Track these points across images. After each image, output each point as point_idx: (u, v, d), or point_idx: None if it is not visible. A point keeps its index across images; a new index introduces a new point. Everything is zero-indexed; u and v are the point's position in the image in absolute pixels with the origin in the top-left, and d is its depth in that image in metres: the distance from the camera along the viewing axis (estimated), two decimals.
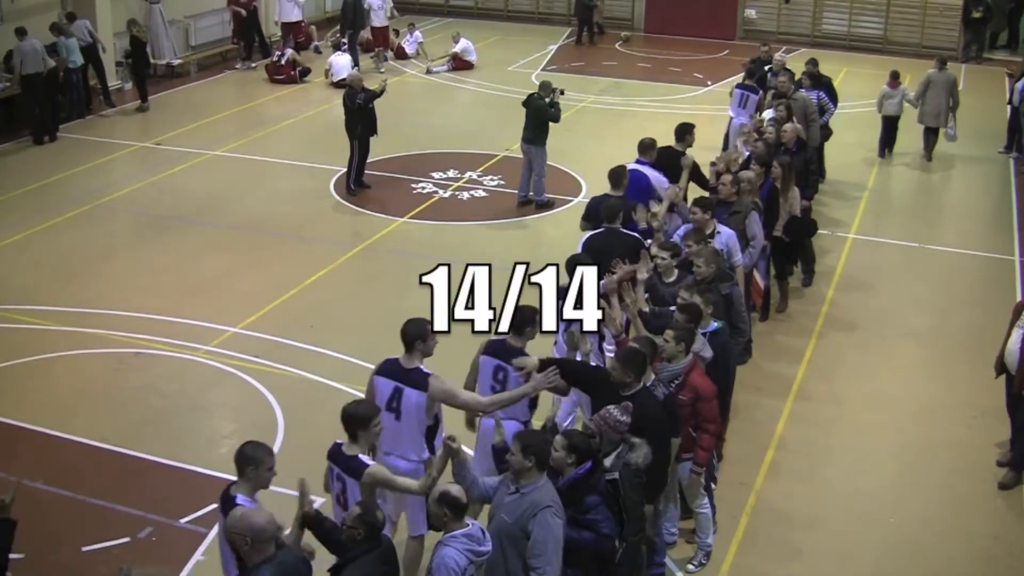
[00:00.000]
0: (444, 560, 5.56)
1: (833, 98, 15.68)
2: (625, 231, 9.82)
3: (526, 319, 7.37)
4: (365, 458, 6.40)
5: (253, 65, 22.84)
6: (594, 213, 10.30)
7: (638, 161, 11.28)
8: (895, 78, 17.52)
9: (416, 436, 7.01)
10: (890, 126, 17.81)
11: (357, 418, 6.44)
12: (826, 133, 15.30)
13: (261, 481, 5.92)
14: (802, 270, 12.87)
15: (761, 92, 15.42)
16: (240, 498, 5.82)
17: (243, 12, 22.75)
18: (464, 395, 7.26)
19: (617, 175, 10.58)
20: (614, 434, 6.55)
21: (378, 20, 23.59)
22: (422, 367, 7.03)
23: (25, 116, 17.85)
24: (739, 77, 17.01)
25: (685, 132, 12.10)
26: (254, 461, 5.88)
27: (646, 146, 11.46)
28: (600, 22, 26.93)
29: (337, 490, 6.56)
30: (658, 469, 6.89)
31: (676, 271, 8.87)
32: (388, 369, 7.10)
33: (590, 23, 26.40)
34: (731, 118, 15.78)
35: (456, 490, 5.70)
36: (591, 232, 10.02)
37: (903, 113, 17.57)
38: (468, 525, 5.67)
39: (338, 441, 6.55)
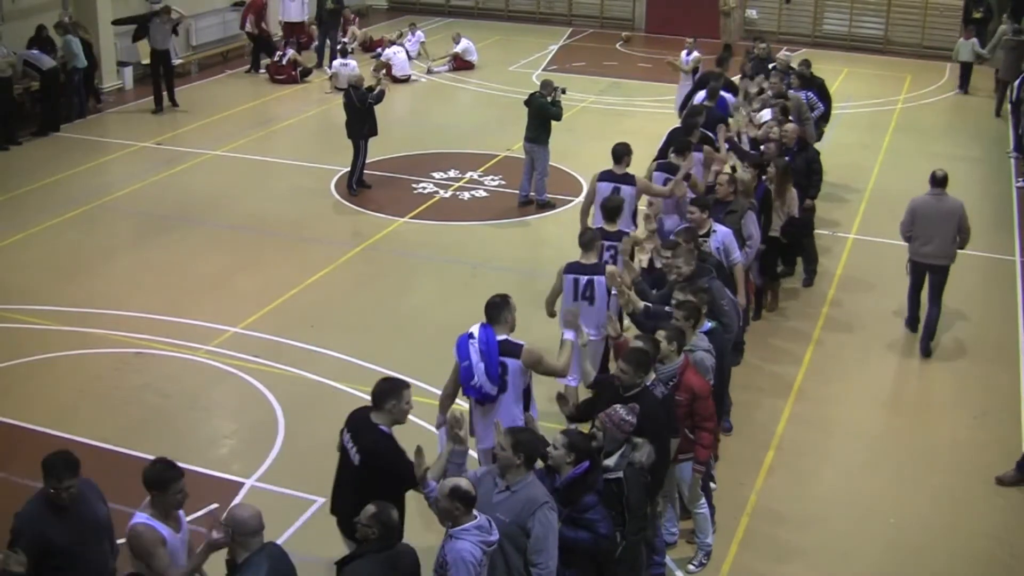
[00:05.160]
0: (461, 554, 5.59)
1: (825, 98, 15.72)
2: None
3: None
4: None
5: (262, 71, 22.83)
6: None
7: (725, 89, 14.80)
8: (967, 29, 23.02)
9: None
10: (965, 70, 22.61)
11: None
12: (817, 133, 15.31)
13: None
14: (804, 270, 12.88)
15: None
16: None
17: (256, 32, 22.78)
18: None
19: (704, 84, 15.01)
20: (619, 433, 6.57)
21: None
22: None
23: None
24: (736, 77, 17.10)
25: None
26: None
27: (728, 82, 15.36)
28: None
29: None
30: (658, 469, 6.91)
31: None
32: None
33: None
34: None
35: (466, 484, 5.73)
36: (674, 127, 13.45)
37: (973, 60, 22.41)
38: (476, 517, 5.71)
39: None
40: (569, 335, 7.83)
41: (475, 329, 7.44)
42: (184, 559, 5.98)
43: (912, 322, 11.76)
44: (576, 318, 7.91)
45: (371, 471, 6.39)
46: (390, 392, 6.48)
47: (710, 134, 12.68)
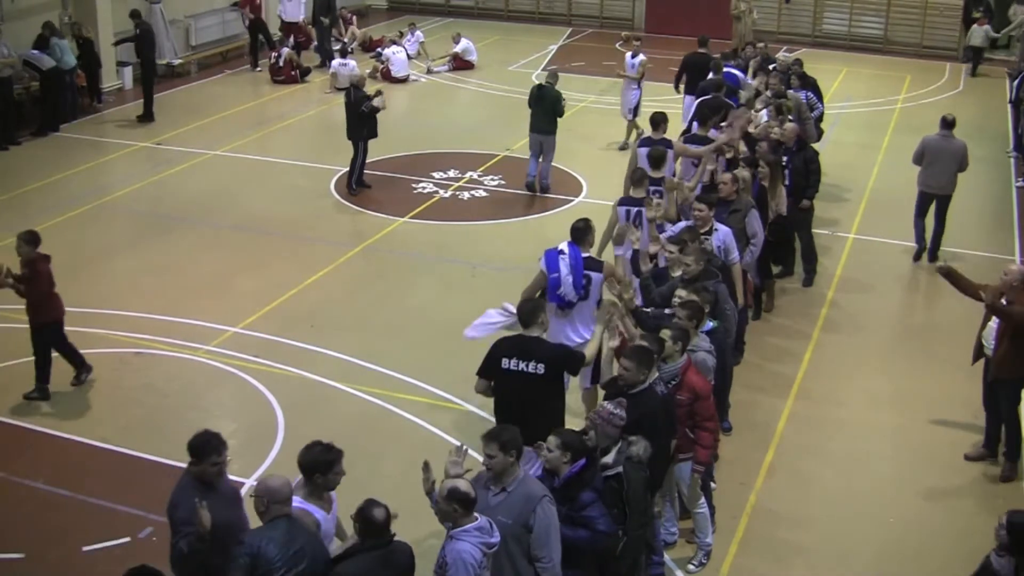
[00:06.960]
0: (461, 555, 5.59)
1: (819, 98, 15.76)
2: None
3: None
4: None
5: (259, 69, 22.85)
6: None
7: (728, 66, 15.81)
8: (981, 16, 24.07)
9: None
10: (976, 53, 23.92)
11: None
12: (818, 132, 15.33)
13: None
14: (803, 270, 12.87)
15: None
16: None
17: (251, 17, 22.74)
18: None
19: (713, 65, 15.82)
20: (610, 428, 6.57)
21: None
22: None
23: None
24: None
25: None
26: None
27: (728, 55, 16.98)
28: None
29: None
30: (657, 469, 6.91)
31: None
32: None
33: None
34: None
35: (464, 485, 5.75)
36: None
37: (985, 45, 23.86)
38: (476, 518, 5.72)
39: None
40: (619, 251, 9.89)
41: (563, 246, 8.88)
42: (334, 538, 6.21)
43: (919, 253, 13.64)
44: (626, 235, 9.43)
45: (558, 372, 7.43)
46: (537, 308, 7.61)
47: (732, 103, 13.72)
